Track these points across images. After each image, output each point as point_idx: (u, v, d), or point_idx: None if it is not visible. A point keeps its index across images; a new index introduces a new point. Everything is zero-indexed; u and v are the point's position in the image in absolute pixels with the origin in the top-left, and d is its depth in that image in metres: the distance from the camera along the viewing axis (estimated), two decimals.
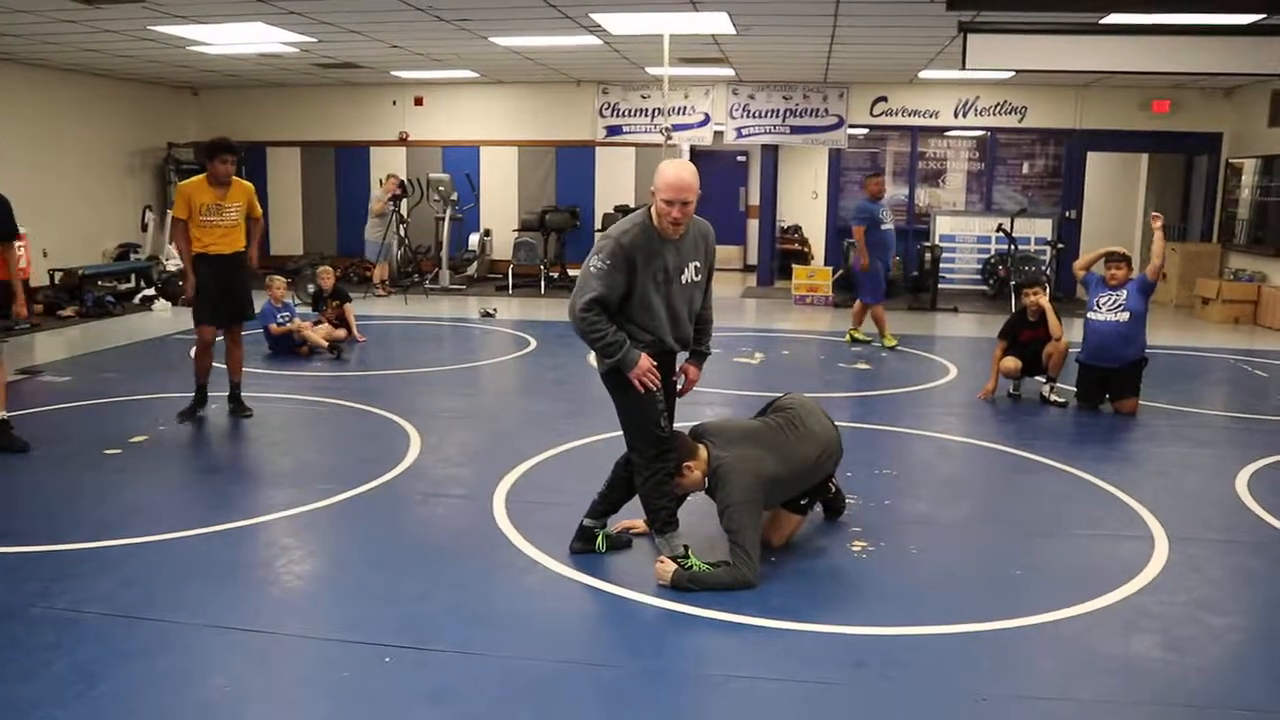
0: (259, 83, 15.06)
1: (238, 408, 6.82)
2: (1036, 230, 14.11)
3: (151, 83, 14.72)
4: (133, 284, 12.94)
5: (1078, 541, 4.74)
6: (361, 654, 3.53)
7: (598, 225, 14.83)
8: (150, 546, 4.47)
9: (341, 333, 9.49)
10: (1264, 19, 8.11)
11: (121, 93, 14.27)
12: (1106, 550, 4.62)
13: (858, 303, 10.19)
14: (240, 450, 6.36)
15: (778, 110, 14.73)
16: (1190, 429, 6.91)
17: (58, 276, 12.23)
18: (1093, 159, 14.70)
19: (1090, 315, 7.40)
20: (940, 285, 13.54)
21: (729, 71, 13.50)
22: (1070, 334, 7.80)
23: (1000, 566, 4.47)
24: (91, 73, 13.42)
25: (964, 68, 8.62)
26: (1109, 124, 13.99)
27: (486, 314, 11.89)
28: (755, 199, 16.54)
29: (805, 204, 17.18)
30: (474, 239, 15.29)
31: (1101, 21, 8.38)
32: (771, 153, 15.38)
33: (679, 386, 4.40)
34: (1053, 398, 7.50)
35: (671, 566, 4.06)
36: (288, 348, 9.07)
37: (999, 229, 13.50)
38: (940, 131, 14.84)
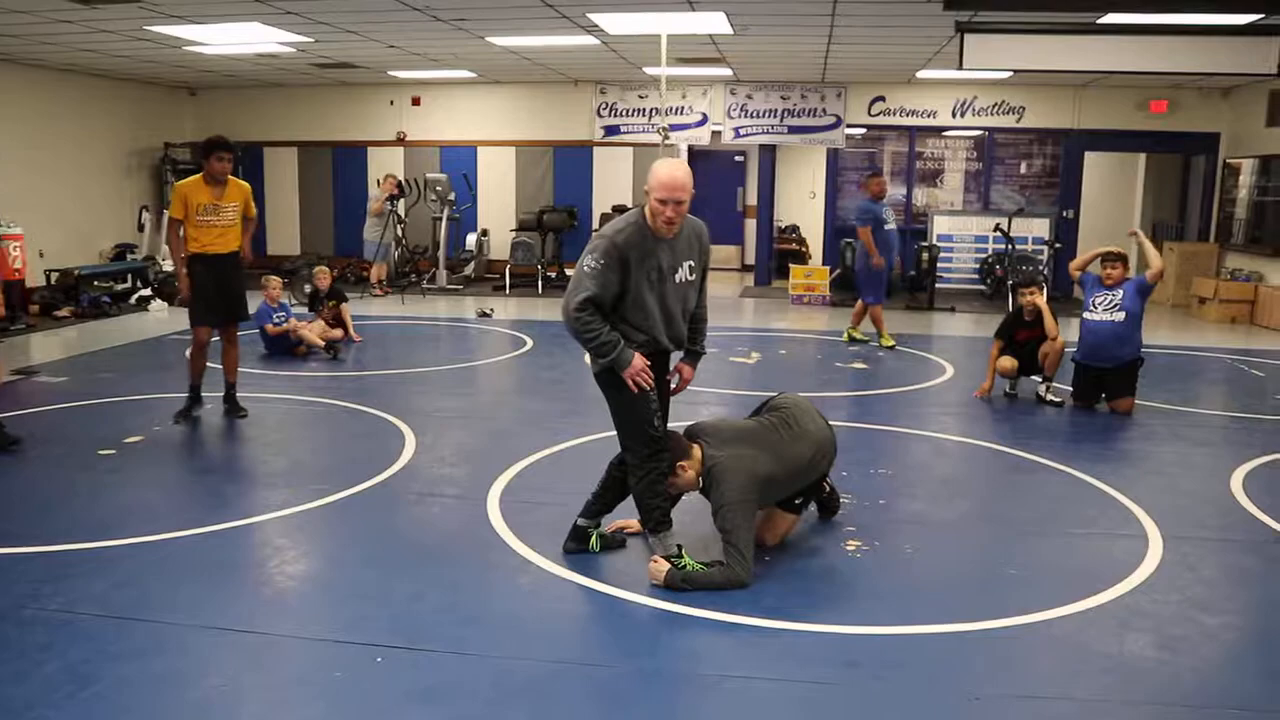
0: (256, 83, 15.05)
1: (233, 408, 6.81)
2: (1034, 230, 14.11)
3: (148, 83, 14.71)
4: (129, 284, 12.92)
5: (1072, 541, 4.74)
6: (354, 654, 3.52)
7: (595, 225, 14.83)
8: (144, 547, 4.46)
9: (338, 333, 9.47)
10: (1261, 19, 8.11)
11: (118, 93, 14.26)
12: (1101, 549, 4.61)
13: (859, 302, 10.19)
14: (235, 451, 6.35)
15: (775, 110, 14.72)
16: (1186, 428, 6.91)
17: (54, 277, 12.21)
18: (1090, 159, 14.70)
19: (1086, 315, 7.40)
20: (938, 285, 13.55)
21: (727, 71, 13.49)
22: (1067, 334, 7.79)
23: (995, 566, 4.46)
24: (88, 73, 13.40)
25: (961, 67, 8.62)
26: (1107, 124, 14.00)
27: (484, 314, 11.88)
28: (753, 199, 16.54)
29: (803, 204, 17.20)
30: (471, 239, 15.27)
31: (1099, 21, 8.38)
32: (769, 153, 15.37)
33: (673, 386, 4.40)
34: (1049, 397, 7.49)
35: (665, 566, 4.06)
36: (284, 348, 9.06)
37: (996, 229, 13.50)
38: (938, 131, 14.84)
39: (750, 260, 17.11)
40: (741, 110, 14.80)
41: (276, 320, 9.03)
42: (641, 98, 14.92)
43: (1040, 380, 7.58)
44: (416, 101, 15.55)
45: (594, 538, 4.43)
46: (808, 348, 10.42)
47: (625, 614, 3.94)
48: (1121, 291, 7.28)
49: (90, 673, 3.32)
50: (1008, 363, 7.59)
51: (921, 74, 13.09)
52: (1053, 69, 9.40)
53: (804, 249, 16.93)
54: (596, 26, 9.84)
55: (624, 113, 15.08)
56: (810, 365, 9.54)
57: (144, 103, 14.83)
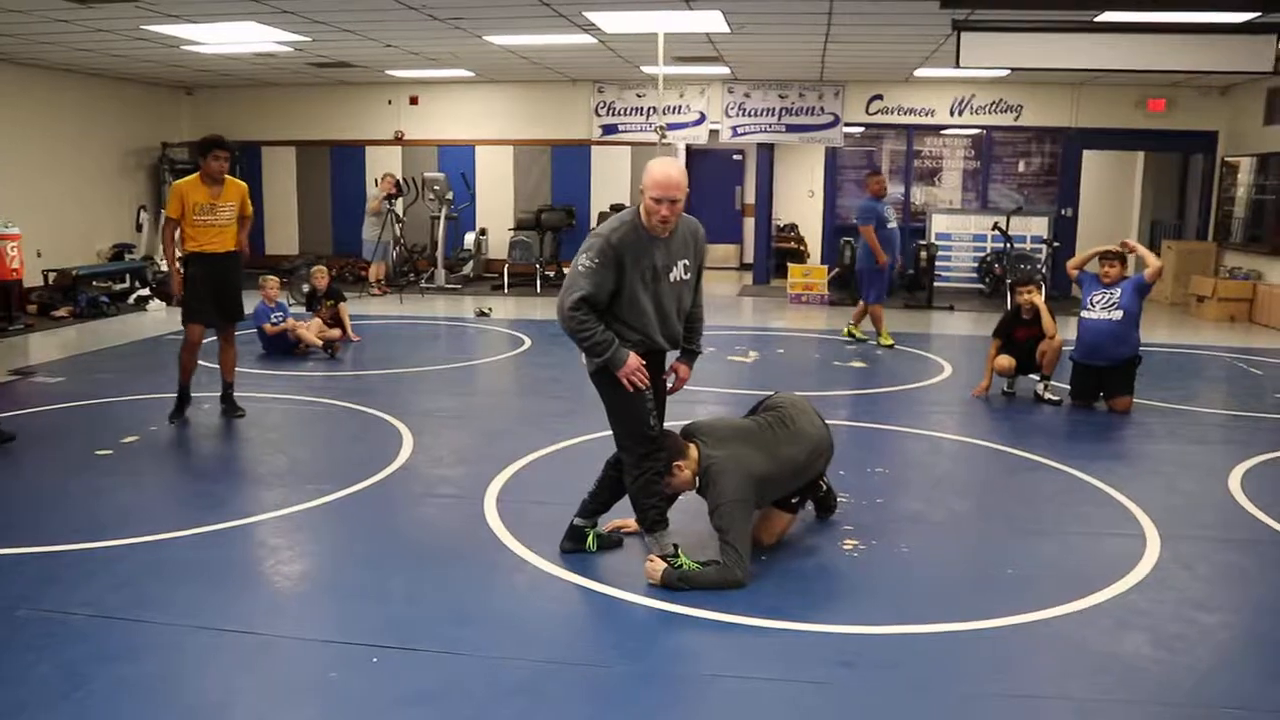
0: (253, 82, 15.04)
1: (230, 408, 6.81)
2: (1032, 229, 14.09)
3: (146, 82, 14.69)
4: (127, 284, 12.91)
5: (1070, 539, 4.73)
6: (349, 655, 3.52)
7: (593, 224, 14.77)
8: (139, 547, 4.45)
9: (336, 332, 9.46)
10: (1258, 17, 8.10)
11: (116, 92, 14.25)
12: (1098, 548, 4.61)
13: (862, 301, 10.17)
14: (232, 451, 6.35)
15: (773, 109, 14.71)
16: (1184, 427, 6.90)
17: (52, 277, 12.20)
18: (1088, 157, 14.69)
19: (1084, 314, 7.40)
20: (936, 284, 13.54)
21: (724, 70, 13.48)
22: (1065, 332, 7.78)
23: (992, 565, 4.45)
24: (85, 72, 13.39)
25: (958, 66, 8.61)
26: (1105, 122, 13.99)
27: (482, 313, 11.87)
28: (751, 198, 16.53)
29: (801, 202, 17.19)
30: (469, 238, 15.26)
31: (1096, 20, 8.37)
32: (767, 151, 15.35)
33: (669, 385, 4.39)
34: (1047, 396, 7.49)
35: (661, 565, 4.05)
36: (282, 348, 9.06)
37: (995, 227, 13.49)
38: (936, 130, 14.83)
39: (749, 259, 17.10)
40: (739, 109, 14.79)
41: (274, 320, 9.03)
42: (639, 97, 14.91)
43: (1038, 379, 7.58)
44: (414, 101, 15.54)
45: (591, 537, 4.42)
46: (806, 347, 10.42)
47: (622, 614, 3.93)
48: (1119, 290, 7.28)
49: (84, 674, 3.31)
50: (1006, 361, 7.58)
51: (919, 72, 13.08)
52: (1050, 67, 9.39)
53: (803, 248, 16.91)
54: (593, 25, 9.83)
55: (622, 112, 15.07)
56: (808, 364, 9.53)
57: (141, 102, 14.81)
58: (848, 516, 4.94)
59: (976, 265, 14.57)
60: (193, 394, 6.77)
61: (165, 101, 15.37)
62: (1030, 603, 3.95)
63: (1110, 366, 7.24)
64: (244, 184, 6.73)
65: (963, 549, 4.71)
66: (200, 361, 6.81)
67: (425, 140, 15.63)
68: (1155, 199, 16.05)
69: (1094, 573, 4.25)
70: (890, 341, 9.98)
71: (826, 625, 3.77)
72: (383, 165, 15.17)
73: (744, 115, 14.82)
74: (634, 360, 4.01)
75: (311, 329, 9.24)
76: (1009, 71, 12.18)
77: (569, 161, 15.45)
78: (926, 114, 14.49)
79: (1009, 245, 13.35)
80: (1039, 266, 13.27)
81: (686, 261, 4.16)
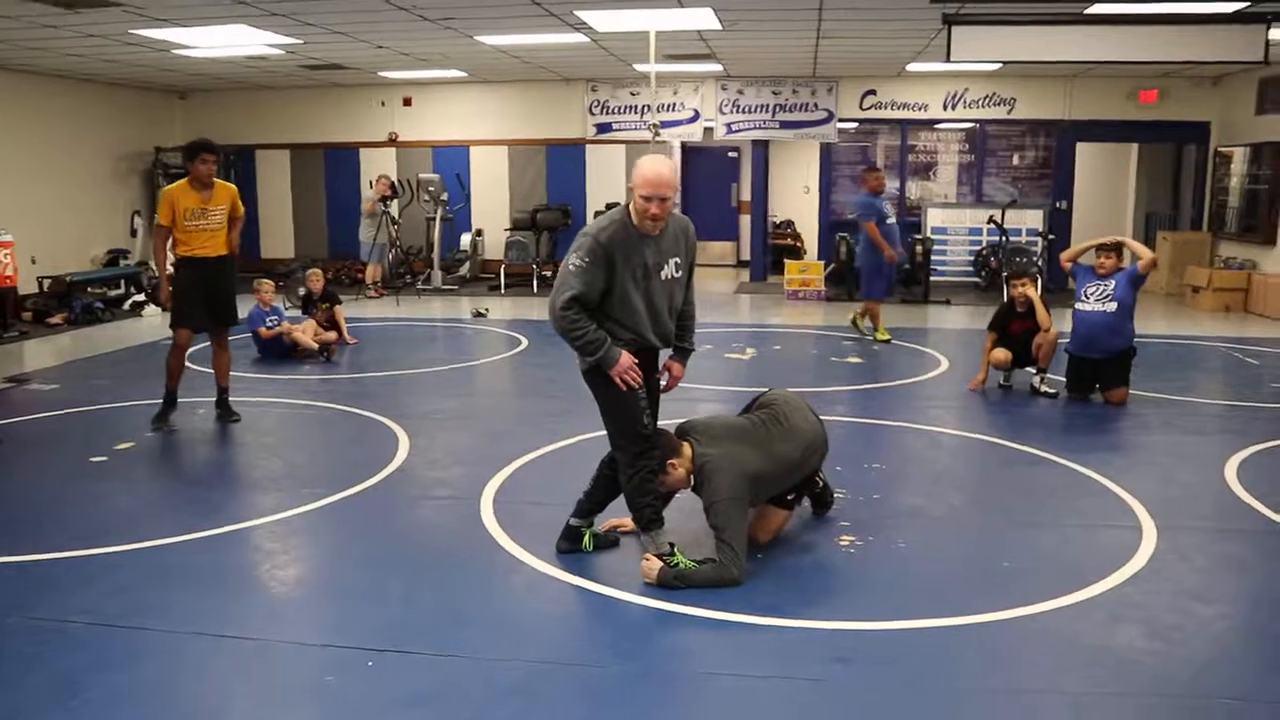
0: (246, 85, 15.01)
1: (225, 413, 6.80)
2: (1027, 222, 14.10)
3: (138, 87, 14.67)
4: (122, 290, 12.89)
5: (1066, 532, 4.73)
6: (346, 658, 3.51)
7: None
8: (134, 554, 4.44)
9: (332, 335, 9.45)
10: (1247, 7, 8.11)
11: (108, 97, 14.22)
12: (1094, 541, 4.61)
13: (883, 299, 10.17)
14: (227, 455, 6.34)
15: (767, 105, 14.71)
16: (1180, 418, 6.91)
17: (46, 284, 12.18)
18: (1082, 149, 14.68)
19: (1078, 306, 7.40)
20: (932, 278, 13.54)
21: (717, 67, 13.47)
22: (1060, 325, 7.78)
23: (988, 559, 4.46)
24: (77, 78, 13.36)
25: (948, 60, 8.60)
26: (1098, 114, 13.99)
27: (478, 314, 11.87)
28: (747, 195, 16.53)
29: (797, 199, 17.15)
30: (465, 239, 15.26)
31: (1086, 12, 8.37)
32: (762, 148, 15.35)
33: (663, 384, 4.38)
34: (1043, 389, 7.49)
35: (657, 564, 4.05)
36: (277, 352, 9.04)
37: (990, 221, 13.50)
38: (930, 124, 14.83)
39: (745, 256, 17.09)
40: (733, 106, 14.78)
41: (269, 324, 9.02)
42: (633, 95, 14.90)
43: (1034, 372, 7.58)
44: (408, 102, 15.52)
45: (587, 537, 4.42)
46: (803, 343, 10.42)
47: (618, 613, 3.93)
48: (1114, 282, 7.27)
49: (79, 681, 3.30)
50: (1001, 355, 7.58)
51: (912, 67, 13.07)
52: (1041, 60, 9.39)
53: (799, 244, 16.90)
54: (585, 24, 9.81)
55: (616, 110, 15.06)
56: (805, 360, 9.53)
57: (134, 107, 14.79)
58: (844, 512, 4.94)
59: (972, 259, 14.57)
60: (189, 399, 6.77)
61: (158, 106, 15.35)
62: (1026, 596, 3.94)
63: (1105, 358, 7.24)
64: (233, 186, 6.72)
65: (959, 543, 4.71)
66: (194, 366, 6.80)
67: (419, 141, 15.62)
68: (1149, 190, 16.04)
69: (1090, 565, 4.25)
70: (887, 337, 9.97)
71: (823, 622, 3.77)
72: (377, 167, 15.15)
73: (738, 112, 14.81)
74: (626, 359, 4.00)
75: (307, 332, 9.22)
76: (1001, 65, 12.16)
77: (564, 161, 15.44)
78: (920, 109, 14.48)
79: (1004, 239, 13.35)
80: (1034, 259, 13.27)
81: (678, 259, 4.16)
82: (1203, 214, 13.99)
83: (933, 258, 13.62)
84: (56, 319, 11.42)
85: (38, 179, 12.83)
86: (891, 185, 14.84)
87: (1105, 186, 16.04)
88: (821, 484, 4.83)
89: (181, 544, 4.57)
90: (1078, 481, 5.49)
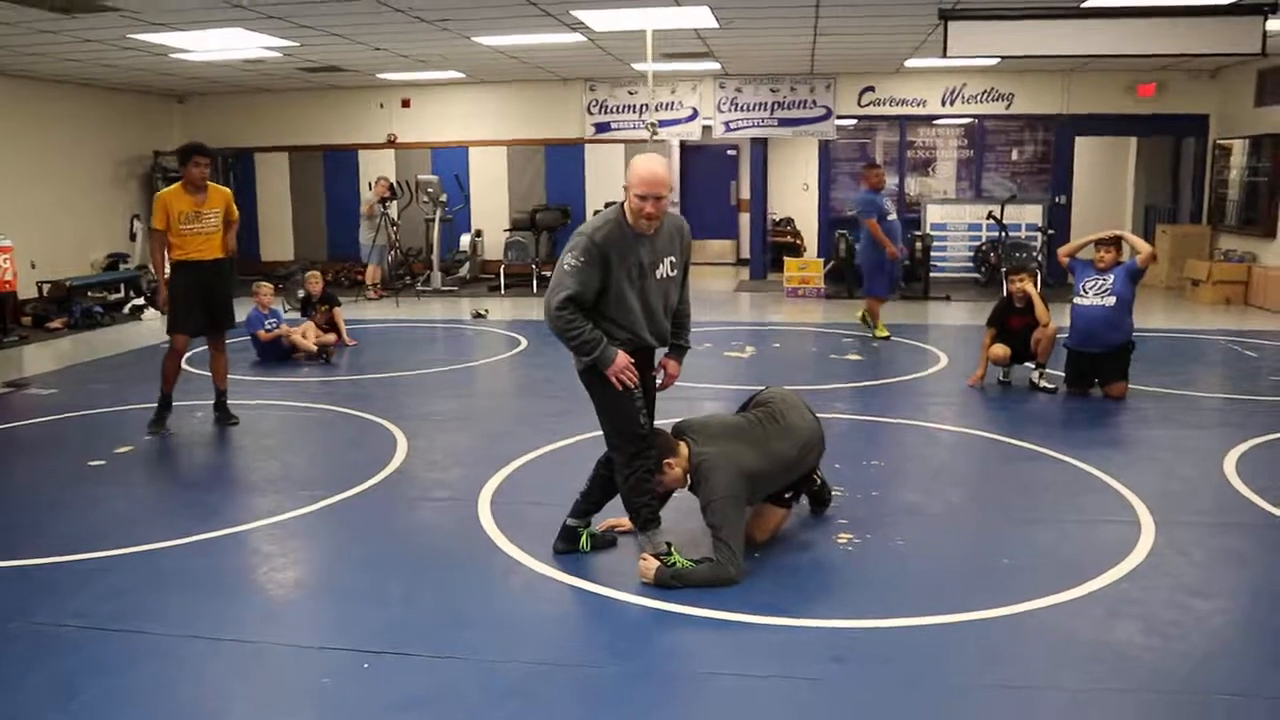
0: (244, 88, 15.01)
1: (224, 416, 6.80)
2: (1027, 217, 14.07)
3: (137, 91, 14.67)
4: (122, 294, 12.91)
5: (1065, 528, 4.72)
6: (342, 660, 3.51)
7: None
8: (132, 558, 4.45)
9: (331, 337, 9.45)
10: None
11: (107, 102, 14.23)
12: (1093, 536, 4.60)
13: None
14: (225, 458, 6.34)
15: (765, 103, 14.69)
16: (1180, 412, 6.89)
17: (45, 288, 12.19)
18: (1081, 143, 14.66)
19: (1076, 300, 7.38)
20: (932, 274, 13.52)
21: (715, 65, 13.45)
22: (1060, 320, 7.77)
23: (987, 556, 4.45)
24: (76, 83, 13.37)
25: (945, 55, 8.59)
26: (1096, 108, 13.96)
27: (478, 315, 11.86)
28: (746, 193, 16.51)
29: (797, 196, 17.14)
30: (465, 240, 15.25)
31: (1082, 5, 8.35)
32: (761, 146, 15.34)
33: (659, 382, 4.37)
34: (1042, 384, 7.48)
35: (654, 564, 4.04)
36: (276, 354, 9.05)
37: (989, 216, 13.48)
38: (928, 120, 14.80)
39: (745, 254, 17.08)
40: (731, 104, 14.77)
41: (267, 326, 9.02)
42: (631, 94, 14.89)
43: (1033, 367, 7.57)
44: (406, 103, 15.51)
45: (584, 537, 4.42)
46: (803, 340, 10.41)
47: (615, 613, 3.92)
48: (1112, 276, 7.26)
49: (77, 685, 3.31)
50: (1000, 350, 7.57)
51: (909, 63, 13.05)
52: (1038, 54, 9.37)
53: (799, 241, 16.90)
54: (581, 24, 9.81)
55: (614, 109, 15.05)
56: (805, 358, 9.53)
57: (133, 111, 14.79)
58: (842, 510, 4.93)
59: (972, 255, 14.55)
60: (187, 402, 6.77)
61: (157, 110, 15.35)
62: (1024, 593, 3.93)
63: (1104, 353, 7.22)
64: (228, 190, 6.72)
65: (957, 540, 4.70)
66: (192, 369, 6.80)
67: (418, 143, 15.61)
68: (1149, 184, 16.01)
69: (1088, 561, 4.24)
70: (886, 334, 9.96)
71: (821, 620, 3.76)
72: (376, 169, 15.16)
73: (736, 110, 14.80)
74: (623, 358, 3.99)
75: (306, 335, 9.22)
76: (999, 60, 12.15)
77: (563, 161, 15.43)
78: (918, 104, 14.46)
79: (1004, 234, 13.33)
80: (1034, 254, 13.25)
81: (673, 258, 4.15)
82: (1202, 207, 13.97)
83: (932, 254, 13.60)
84: (56, 323, 11.43)
85: (37, 184, 12.84)
86: (890, 182, 14.81)
87: (1104, 180, 16.02)
88: (819, 482, 4.82)
89: (178, 547, 4.57)
90: (1076, 477, 5.48)
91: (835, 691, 3.29)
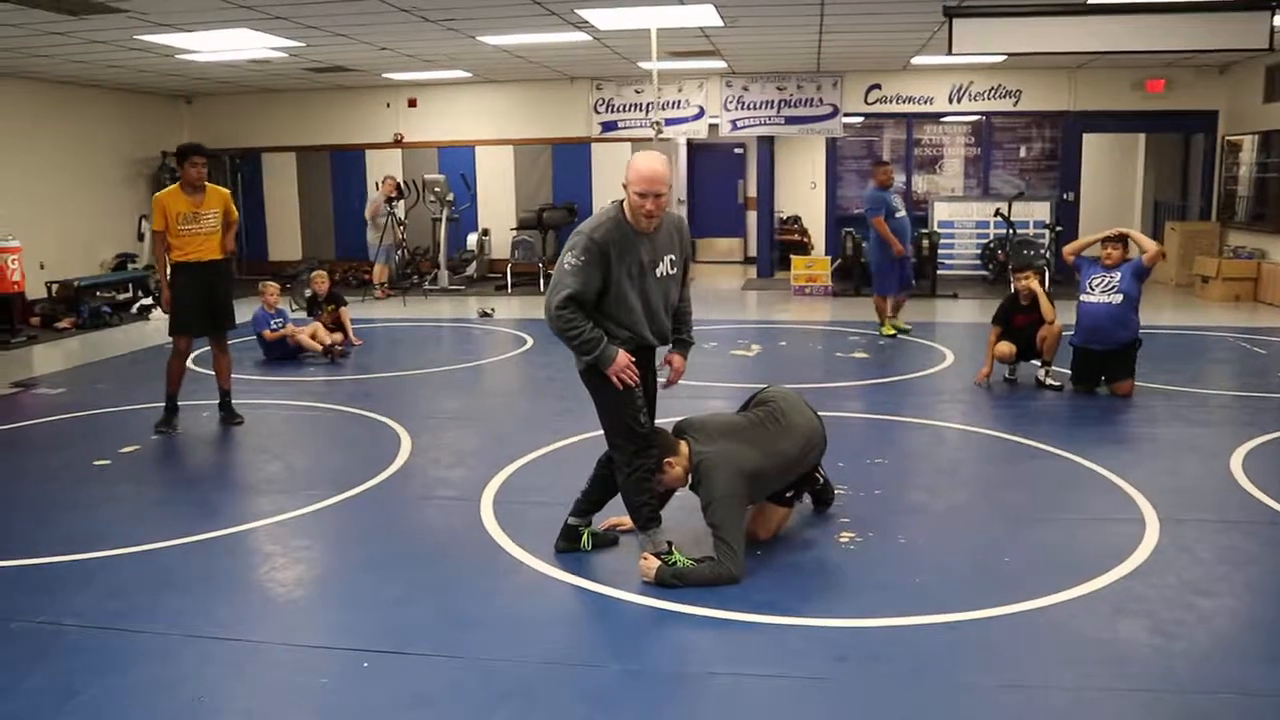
0: (251, 89, 15.06)
1: (229, 415, 6.81)
2: (1035, 214, 14.04)
3: (145, 92, 14.73)
4: (130, 294, 12.95)
5: (1068, 527, 4.69)
6: (342, 660, 3.52)
7: None
8: (133, 557, 4.45)
9: (338, 337, 9.46)
10: None
11: (115, 103, 14.29)
12: (1097, 535, 4.57)
13: (897, 296, 10.13)
14: (229, 458, 6.35)
15: (772, 101, 14.67)
16: (1187, 409, 6.86)
17: (54, 288, 12.23)
18: (1089, 140, 14.61)
19: (1083, 297, 7.35)
20: (939, 271, 13.47)
21: (721, 64, 13.44)
22: (1066, 317, 7.73)
23: (990, 554, 4.43)
24: (84, 84, 13.43)
25: (950, 52, 8.55)
26: (1104, 104, 13.91)
27: (485, 314, 11.87)
28: (753, 191, 16.49)
29: (804, 194, 17.13)
30: (472, 239, 15.27)
31: (1088, 1, 8.30)
32: (768, 144, 15.32)
33: (666, 377, 4.36)
34: (1048, 381, 7.45)
35: (655, 563, 4.03)
36: (282, 354, 9.06)
37: (997, 213, 13.43)
38: (935, 118, 14.77)
39: (753, 252, 17.05)
40: (738, 102, 14.74)
41: (274, 326, 9.04)
42: (638, 93, 14.88)
43: (1039, 365, 7.54)
44: (413, 103, 15.54)
45: (585, 536, 4.41)
46: (809, 339, 10.39)
47: (617, 613, 3.91)
48: (1119, 274, 7.23)
49: (77, 685, 3.31)
50: (1006, 348, 7.55)
51: (916, 60, 13.02)
52: (1044, 51, 9.32)
53: (806, 239, 16.88)
54: (586, 22, 9.80)
55: (621, 108, 15.04)
56: (811, 356, 9.50)
57: (141, 112, 14.85)
58: (845, 509, 4.91)
59: (980, 252, 14.51)
60: (193, 402, 6.79)
61: (165, 110, 15.41)
62: (1027, 592, 3.91)
63: (1111, 350, 7.19)
64: (226, 190, 6.73)
65: (961, 539, 4.67)
66: (197, 369, 6.82)
67: (425, 142, 15.63)
68: (1158, 180, 15.95)
69: (1092, 560, 4.21)
70: (892, 331, 9.94)
71: (822, 619, 3.75)
72: (383, 168, 15.18)
73: (743, 109, 14.78)
74: (624, 357, 3.98)
75: (315, 335, 9.23)
76: (1005, 57, 12.11)
77: (569, 159, 15.43)
78: (925, 102, 14.43)
79: (1012, 231, 13.28)
80: (1042, 251, 13.20)
81: (672, 256, 4.14)
82: (1211, 203, 13.90)
83: (940, 251, 13.55)
84: (64, 323, 11.47)
85: (46, 184, 12.90)
86: (898, 179, 14.77)
87: (1113, 177, 15.97)
88: (822, 480, 4.81)
89: (180, 547, 4.57)
90: (1081, 475, 5.45)
91: (837, 691, 3.28)
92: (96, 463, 5.94)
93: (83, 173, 13.69)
